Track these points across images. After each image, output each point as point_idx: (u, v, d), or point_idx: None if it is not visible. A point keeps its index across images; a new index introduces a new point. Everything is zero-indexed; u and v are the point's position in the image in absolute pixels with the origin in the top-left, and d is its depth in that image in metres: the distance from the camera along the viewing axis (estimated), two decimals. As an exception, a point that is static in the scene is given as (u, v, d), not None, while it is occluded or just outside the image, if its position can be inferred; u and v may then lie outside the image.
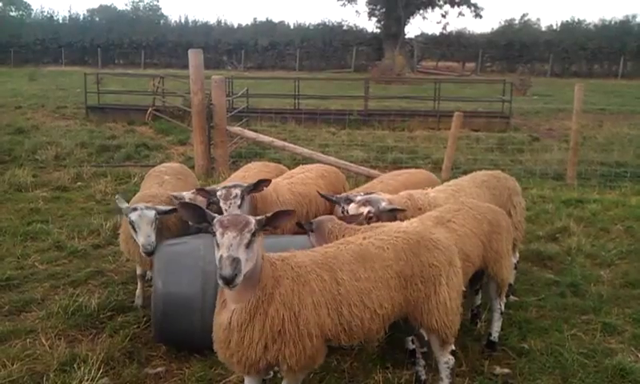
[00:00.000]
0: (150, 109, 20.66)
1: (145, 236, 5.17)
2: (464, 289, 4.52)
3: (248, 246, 3.33)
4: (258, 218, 3.47)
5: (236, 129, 12.83)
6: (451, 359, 4.39)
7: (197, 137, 12.24)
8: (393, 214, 5.37)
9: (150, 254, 5.19)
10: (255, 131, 13.37)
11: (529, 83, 33.62)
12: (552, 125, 21.34)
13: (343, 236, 4.60)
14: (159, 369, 4.99)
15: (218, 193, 5.52)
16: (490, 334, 5.40)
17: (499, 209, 5.52)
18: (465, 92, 30.38)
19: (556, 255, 7.77)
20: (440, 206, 5.66)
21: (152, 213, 5.25)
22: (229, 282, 3.21)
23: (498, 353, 5.32)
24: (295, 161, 11.38)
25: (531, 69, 52.01)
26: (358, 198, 5.51)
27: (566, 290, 6.67)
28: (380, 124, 20.51)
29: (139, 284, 6.20)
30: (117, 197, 5.53)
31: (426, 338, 4.44)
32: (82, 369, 4.70)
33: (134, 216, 5.20)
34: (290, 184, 6.63)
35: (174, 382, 4.82)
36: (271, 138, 12.31)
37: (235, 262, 3.24)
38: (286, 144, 12.08)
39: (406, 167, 9.85)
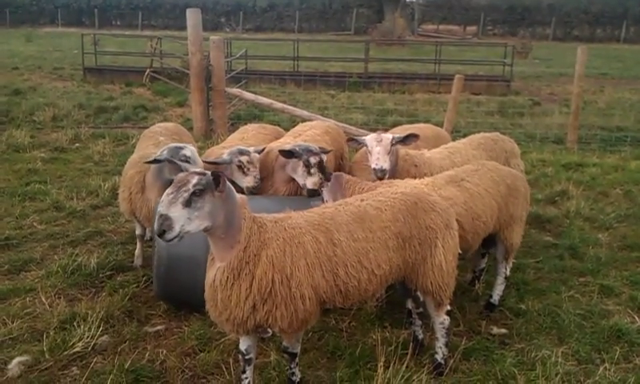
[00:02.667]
0: (148, 70, 20.47)
1: None
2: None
3: (188, 204, 3.30)
4: (206, 177, 3.38)
5: (235, 90, 12.74)
6: (446, 319, 4.41)
7: (195, 98, 12.16)
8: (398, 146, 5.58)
9: None
10: (254, 93, 13.26)
11: (530, 47, 33.36)
12: (553, 89, 21.21)
13: (362, 189, 4.77)
14: (159, 327, 5.03)
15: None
16: (491, 296, 5.43)
17: (521, 174, 5.54)
18: (466, 55, 30.09)
19: (555, 218, 7.78)
20: (435, 165, 5.73)
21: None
22: (159, 235, 3.28)
23: (495, 313, 5.36)
24: (294, 123, 11.24)
25: (533, 33, 51.57)
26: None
27: (565, 252, 6.70)
28: (380, 87, 20.37)
29: (138, 244, 6.21)
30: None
31: (422, 299, 4.47)
32: (82, 327, 4.74)
33: (188, 151, 5.26)
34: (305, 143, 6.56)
35: (173, 339, 4.86)
36: (270, 100, 12.21)
37: (162, 218, 3.26)
38: (285, 106, 11.99)
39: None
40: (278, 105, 11.93)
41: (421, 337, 4.74)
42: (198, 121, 12.17)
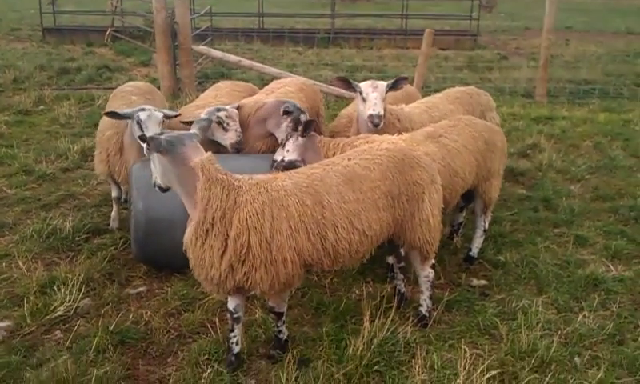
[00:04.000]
0: (109, 30, 19.86)
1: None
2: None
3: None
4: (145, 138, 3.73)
5: (202, 48, 12.44)
6: (431, 272, 4.47)
7: (161, 57, 11.84)
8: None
9: None
10: (221, 51, 12.98)
11: (495, 1, 33.36)
12: (519, 43, 21.32)
13: (337, 146, 4.80)
14: (140, 289, 4.99)
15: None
16: (470, 249, 5.51)
17: (498, 128, 5.56)
18: (432, 10, 29.95)
19: (527, 171, 7.89)
20: (415, 120, 5.70)
21: (160, 114, 5.18)
22: None
23: (474, 266, 5.45)
24: (263, 81, 11.12)
25: (497, -14, 51.59)
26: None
27: (539, 204, 6.81)
28: (347, 43, 20.19)
29: (115, 206, 6.09)
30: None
31: (404, 254, 4.49)
32: (63, 290, 4.67)
33: (142, 115, 5.05)
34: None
35: (156, 301, 4.81)
36: (238, 58, 11.97)
37: None
38: (254, 63, 11.76)
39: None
40: (247, 62, 11.70)
41: (403, 290, 4.78)
42: (165, 80, 11.87)
